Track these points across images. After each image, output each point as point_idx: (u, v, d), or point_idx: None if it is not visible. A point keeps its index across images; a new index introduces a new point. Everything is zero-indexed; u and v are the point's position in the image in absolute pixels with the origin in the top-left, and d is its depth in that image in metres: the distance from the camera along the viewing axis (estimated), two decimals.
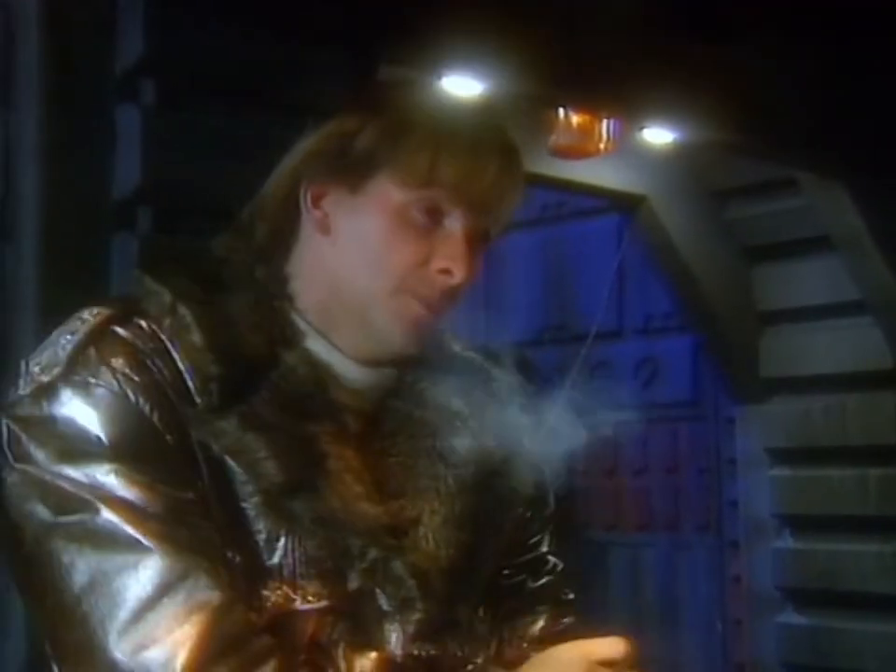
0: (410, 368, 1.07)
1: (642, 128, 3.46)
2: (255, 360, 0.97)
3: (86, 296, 2.15)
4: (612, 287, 4.26)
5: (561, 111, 3.38)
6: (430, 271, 1.01)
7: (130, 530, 0.89)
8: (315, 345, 1.02)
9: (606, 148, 3.45)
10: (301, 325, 1.02)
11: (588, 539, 4.53)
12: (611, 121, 3.43)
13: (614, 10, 2.90)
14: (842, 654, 3.82)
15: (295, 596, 0.94)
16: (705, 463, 4.39)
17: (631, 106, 3.22)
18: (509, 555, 1.11)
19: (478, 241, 1.04)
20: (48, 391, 0.94)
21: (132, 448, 0.92)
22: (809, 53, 3.15)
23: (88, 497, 0.90)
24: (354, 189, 1.02)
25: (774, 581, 4.08)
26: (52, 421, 0.93)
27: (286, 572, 0.94)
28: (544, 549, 1.17)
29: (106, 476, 0.90)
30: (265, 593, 0.94)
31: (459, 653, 1.01)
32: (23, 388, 0.95)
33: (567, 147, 3.42)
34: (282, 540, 0.95)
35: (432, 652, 0.98)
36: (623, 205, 4.04)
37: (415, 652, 0.97)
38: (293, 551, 0.95)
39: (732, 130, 3.24)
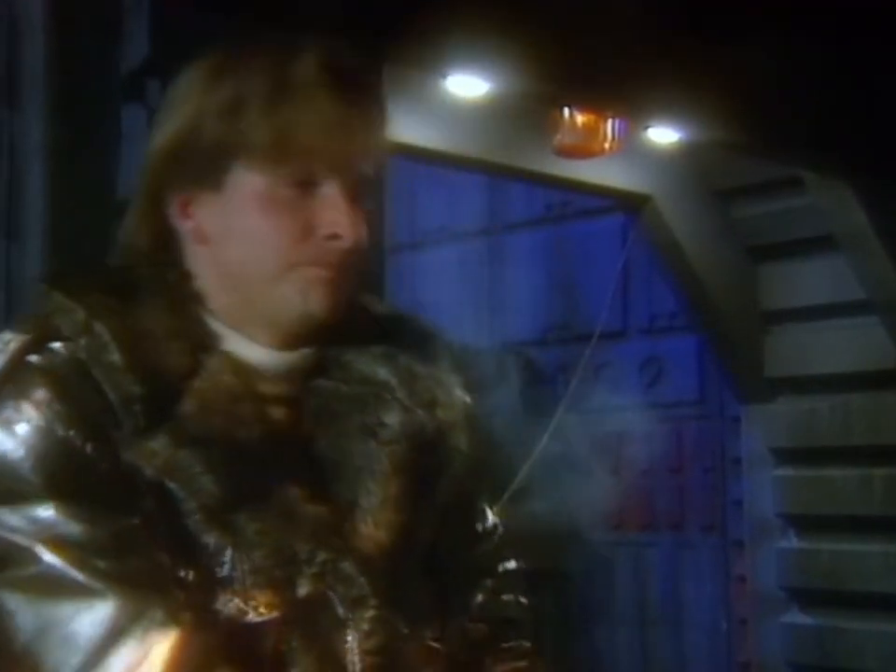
0: (332, 342, 1.04)
1: (647, 127, 3.46)
2: (178, 371, 0.95)
3: (95, 265, 2.16)
4: (617, 287, 4.26)
5: (566, 110, 3.38)
6: (318, 240, 0.99)
7: (76, 574, 0.87)
8: (233, 344, 1.00)
9: (610, 148, 3.44)
10: (215, 326, 1.01)
11: (592, 539, 4.53)
12: (616, 121, 3.43)
13: (619, 9, 2.89)
14: (846, 654, 3.82)
15: (247, 608, 0.93)
16: (709, 462, 4.39)
17: (636, 106, 3.22)
18: (448, 526, 1.09)
19: (357, 199, 1.01)
20: None
21: (67, 482, 0.90)
22: (814, 52, 3.14)
23: (27, 544, 0.88)
24: (216, 188, 0.99)
25: (778, 580, 4.07)
26: None
27: (236, 585, 0.93)
28: (482, 517, 1.15)
29: (45, 515, 0.89)
30: (219, 607, 0.93)
31: (406, 631, 1.00)
32: None
33: (571, 146, 3.42)
34: (228, 553, 0.94)
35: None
36: (628, 205, 4.04)
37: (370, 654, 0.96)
38: (241, 563, 0.94)
39: (736, 129, 3.24)
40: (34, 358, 0.94)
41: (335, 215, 0.98)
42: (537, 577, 1.18)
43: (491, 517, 1.16)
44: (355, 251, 0.99)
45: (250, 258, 0.99)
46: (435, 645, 1.03)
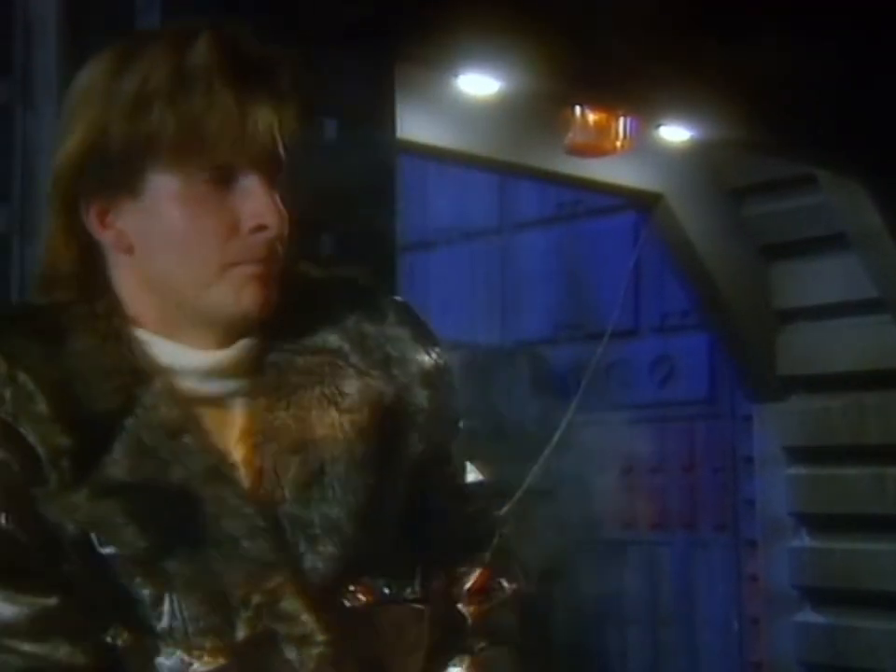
0: (277, 314, 1.00)
1: (659, 126, 3.45)
2: (108, 412, 0.92)
3: (16, 304, 2.17)
4: (628, 286, 4.26)
5: (577, 109, 3.37)
6: (244, 234, 0.96)
7: None
8: (171, 355, 0.97)
9: (622, 146, 3.44)
10: (150, 340, 0.97)
11: (604, 538, 4.53)
12: (628, 119, 3.42)
13: (631, 8, 2.89)
14: (859, 653, 3.81)
15: (191, 659, 0.91)
16: (721, 462, 4.38)
17: (647, 104, 3.22)
18: (425, 482, 1.05)
19: (274, 184, 0.97)
20: None
21: None
22: (827, 51, 3.13)
23: None
24: (133, 193, 0.95)
25: (791, 579, 4.06)
26: None
27: (177, 635, 0.91)
28: (461, 471, 1.11)
29: None
30: (161, 660, 0.91)
31: (387, 591, 0.98)
32: None
33: (583, 144, 3.42)
34: (165, 603, 0.91)
35: None
36: (640, 204, 4.03)
37: None
38: (179, 611, 0.91)
39: (748, 128, 3.23)
40: None
41: (257, 206, 0.95)
42: (549, 576, 1.17)
43: (473, 473, 1.12)
44: (281, 239, 0.97)
45: (178, 263, 0.96)
46: (417, 606, 1.01)
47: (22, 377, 0.90)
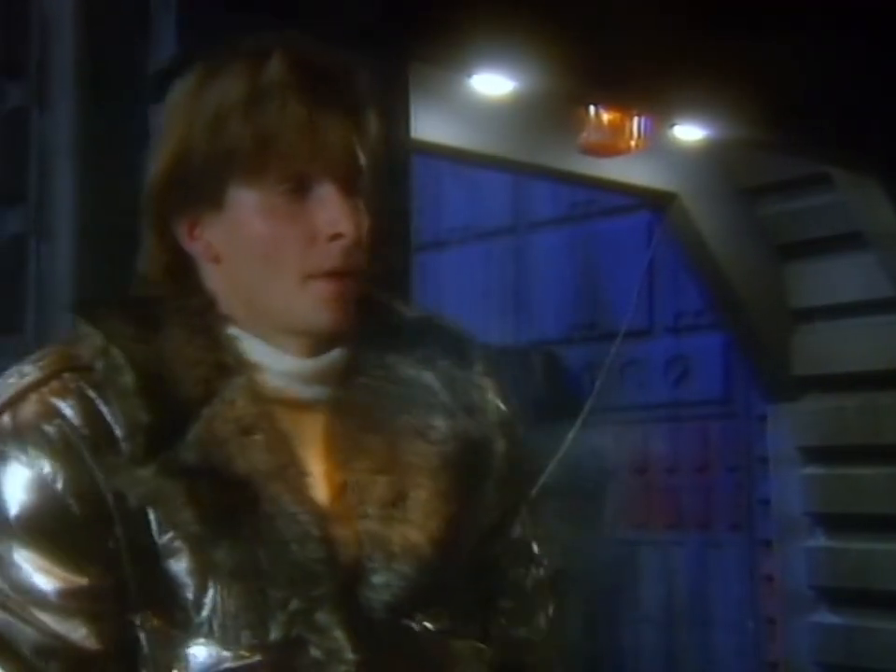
0: (368, 345, 1.05)
1: (673, 125, 3.44)
2: (189, 399, 0.95)
3: (121, 294, 2.18)
4: (642, 285, 4.25)
5: (591, 108, 3.37)
6: (322, 242, 0.98)
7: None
8: (262, 355, 1.00)
9: (636, 146, 3.44)
10: (243, 339, 1.01)
11: (618, 538, 4.52)
12: (642, 118, 3.42)
13: (644, 7, 2.89)
14: (876, 654, 3.79)
15: (224, 653, 0.92)
16: (735, 461, 4.37)
17: (662, 103, 3.21)
18: (491, 534, 1.08)
19: (351, 192, 1.00)
20: None
21: (35, 524, 0.92)
22: (842, 48, 3.12)
23: None
24: (218, 207, 0.99)
25: (807, 580, 4.05)
26: None
27: (215, 626, 0.93)
28: (522, 533, 1.12)
29: (4, 556, 0.92)
30: (192, 651, 0.92)
31: (452, 623, 1.00)
32: None
33: (597, 144, 3.42)
34: (209, 593, 0.93)
35: None
36: (654, 203, 4.03)
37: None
38: (221, 602, 0.93)
39: (764, 126, 3.23)
40: (37, 392, 0.95)
41: (333, 214, 0.98)
42: (563, 577, 1.17)
43: (536, 547, 1.13)
44: (359, 246, 0.99)
45: (260, 273, 0.99)
46: (481, 645, 1.03)
47: (115, 351, 0.95)
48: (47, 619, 0.91)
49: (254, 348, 1.01)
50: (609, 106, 3.35)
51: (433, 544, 0.99)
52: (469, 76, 3.03)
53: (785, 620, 4.12)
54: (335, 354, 1.03)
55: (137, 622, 0.93)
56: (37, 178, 2.29)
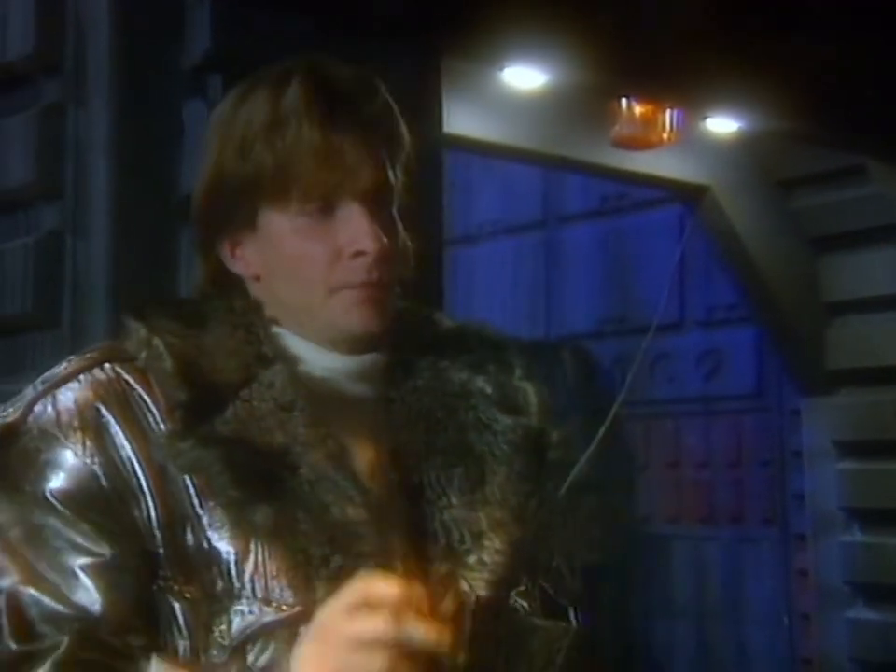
0: (418, 351, 1.09)
1: (705, 117, 3.43)
2: (227, 383, 0.99)
3: (156, 290, 2.20)
4: (674, 279, 4.23)
5: (623, 101, 3.36)
6: (345, 260, 1.02)
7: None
8: (305, 351, 1.04)
9: (669, 138, 3.42)
10: (285, 340, 1.05)
11: (651, 532, 4.51)
12: (675, 111, 3.40)
13: None
14: None
15: (268, 608, 0.95)
16: (768, 455, 4.34)
17: (694, 96, 3.19)
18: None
19: (377, 208, 1.03)
20: (6, 433, 0.99)
21: (65, 497, 0.96)
22: (878, 38, 3.09)
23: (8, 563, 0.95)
24: (252, 228, 1.04)
25: (843, 575, 4.02)
26: (4, 463, 0.98)
27: (258, 588, 0.95)
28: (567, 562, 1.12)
29: (36, 528, 0.95)
30: (233, 613, 0.95)
31: (537, 604, 1.04)
32: None
33: (629, 137, 3.40)
34: (250, 556, 0.96)
35: None
36: (686, 196, 4.00)
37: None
38: (262, 564, 0.96)
39: (799, 118, 3.20)
40: (79, 377, 1.00)
41: (354, 233, 1.01)
42: (596, 571, 1.17)
43: (570, 578, 1.13)
44: (383, 260, 1.02)
45: (293, 290, 1.04)
46: (564, 624, 1.07)
47: (157, 341, 1.00)
48: (68, 590, 0.94)
49: (297, 344, 1.05)
50: (641, 99, 3.33)
51: (517, 520, 1.03)
52: (501, 69, 3.02)
53: (820, 615, 4.10)
54: (376, 356, 1.07)
55: (173, 591, 0.96)
56: (73, 175, 2.31)
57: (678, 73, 3.00)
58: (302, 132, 1.00)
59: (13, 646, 0.92)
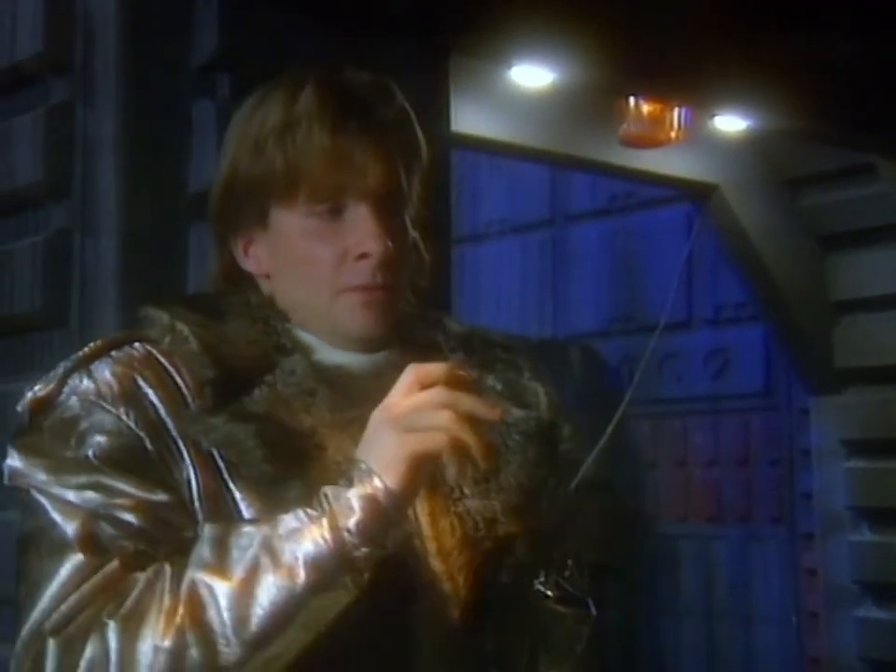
0: (428, 352, 1.10)
1: (714, 116, 3.42)
2: (250, 368, 1.02)
3: (165, 288, 2.20)
4: (681, 278, 4.22)
5: (631, 100, 3.35)
6: (350, 261, 1.04)
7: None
8: (320, 349, 1.07)
9: (677, 137, 3.41)
10: (299, 334, 1.07)
11: (659, 532, 4.50)
12: (682, 109, 3.39)
13: None
14: None
15: None
16: (777, 454, 4.33)
17: (703, 94, 3.19)
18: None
19: (386, 211, 1.05)
20: (39, 407, 1.01)
21: (110, 458, 0.97)
22: (886, 36, 3.08)
23: (51, 514, 0.96)
24: (264, 227, 1.07)
25: (851, 574, 4.01)
26: (41, 433, 1.00)
27: None
28: (574, 563, 1.13)
29: (85, 487, 0.96)
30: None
31: (557, 591, 1.05)
32: (21, 406, 1.02)
33: (637, 135, 3.40)
34: None
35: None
36: (694, 194, 4.00)
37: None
38: None
39: (807, 116, 3.19)
40: (110, 353, 1.02)
41: (361, 236, 1.03)
42: (603, 570, 1.17)
43: (579, 580, 1.13)
44: (387, 263, 1.04)
45: (300, 289, 1.06)
46: (584, 611, 1.08)
47: (180, 326, 1.03)
48: (128, 518, 0.95)
49: (308, 339, 1.08)
50: (649, 98, 3.33)
51: (533, 505, 1.06)
52: (509, 68, 3.02)
53: (828, 615, 4.09)
54: (387, 354, 1.09)
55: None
56: (82, 174, 2.31)
57: (685, 71, 2.99)
58: (313, 133, 1.02)
59: (81, 557, 0.93)
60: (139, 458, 0.97)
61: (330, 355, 1.07)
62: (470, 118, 3.05)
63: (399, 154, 1.05)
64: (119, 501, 0.95)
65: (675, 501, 4.55)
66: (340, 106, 1.03)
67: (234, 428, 0.97)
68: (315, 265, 1.04)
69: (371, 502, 0.91)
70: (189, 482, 0.97)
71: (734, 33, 2.94)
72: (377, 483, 0.91)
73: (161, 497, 0.96)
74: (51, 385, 1.00)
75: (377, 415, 0.94)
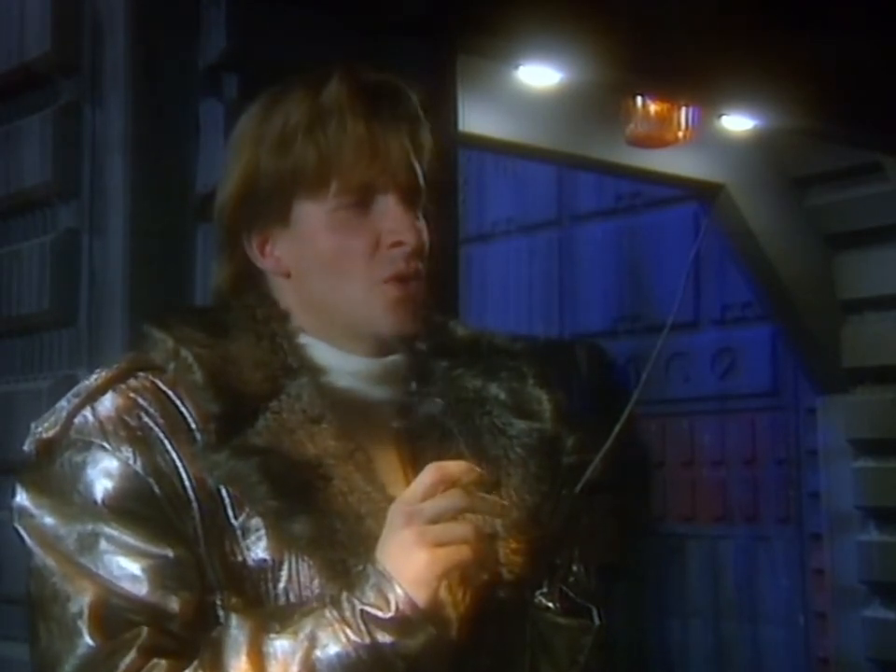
0: (433, 357, 1.11)
1: (721, 115, 3.42)
2: (256, 394, 1.01)
3: (172, 289, 2.20)
4: (688, 277, 4.22)
5: (638, 99, 3.35)
6: (384, 250, 1.04)
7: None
8: (326, 355, 1.06)
9: (684, 137, 3.41)
10: (308, 351, 1.06)
11: (666, 531, 4.50)
12: (690, 109, 3.39)
13: None
14: None
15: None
16: (784, 454, 4.33)
17: (710, 93, 3.18)
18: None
19: (411, 203, 1.05)
20: (46, 448, 1.00)
21: (120, 505, 0.96)
22: (893, 35, 3.08)
23: (60, 583, 0.95)
24: (285, 224, 1.05)
25: (859, 574, 4.01)
26: (49, 474, 0.99)
27: (292, 597, 0.97)
28: (578, 566, 1.14)
29: (92, 537, 0.96)
30: (272, 623, 0.95)
31: (559, 603, 1.06)
32: (28, 445, 1.02)
33: (644, 135, 3.39)
34: (285, 565, 0.97)
35: None
36: (701, 194, 4.00)
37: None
38: (297, 574, 0.97)
39: (814, 115, 3.19)
40: (115, 387, 1.01)
41: (393, 224, 1.03)
42: (610, 570, 1.17)
43: (583, 578, 1.15)
44: (419, 253, 1.04)
45: (329, 284, 1.05)
46: (589, 622, 1.08)
47: (185, 352, 1.01)
48: (135, 590, 0.95)
49: (321, 353, 1.06)
50: (656, 97, 3.32)
51: (534, 520, 1.05)
52: (516, 67, 3.02)
53: (835, 614, 4.08)
54: (397, 358, 1.08)
55: (217, 600, 0.97)
56: (90, 174, 2.32)
57: (693, 71, 2.99)
58: (346, 124, 1.02)
59: (93, 643, 0.93)
60: (147, 504, 0.96)
61: (341, 365, 1.05)
62: (478, 117, 3.05)
63: (414, 150, 1.05)
64: (126, 564, 0.95)
65: (682, 501, 4.54)
66: (371, 98, 1.03)
67: (237, 464, 0.96)
68: (347, 257, 1.03)
69: (404, 625, 0.92)
70: (195, 524, 0.97)
71: (741, 33, 2.94)
72: (410, 606, 0.93)
73: (167, 552, 0.95)
74: (57, 428, 1.00)
75: (399, 516, 0.95)
